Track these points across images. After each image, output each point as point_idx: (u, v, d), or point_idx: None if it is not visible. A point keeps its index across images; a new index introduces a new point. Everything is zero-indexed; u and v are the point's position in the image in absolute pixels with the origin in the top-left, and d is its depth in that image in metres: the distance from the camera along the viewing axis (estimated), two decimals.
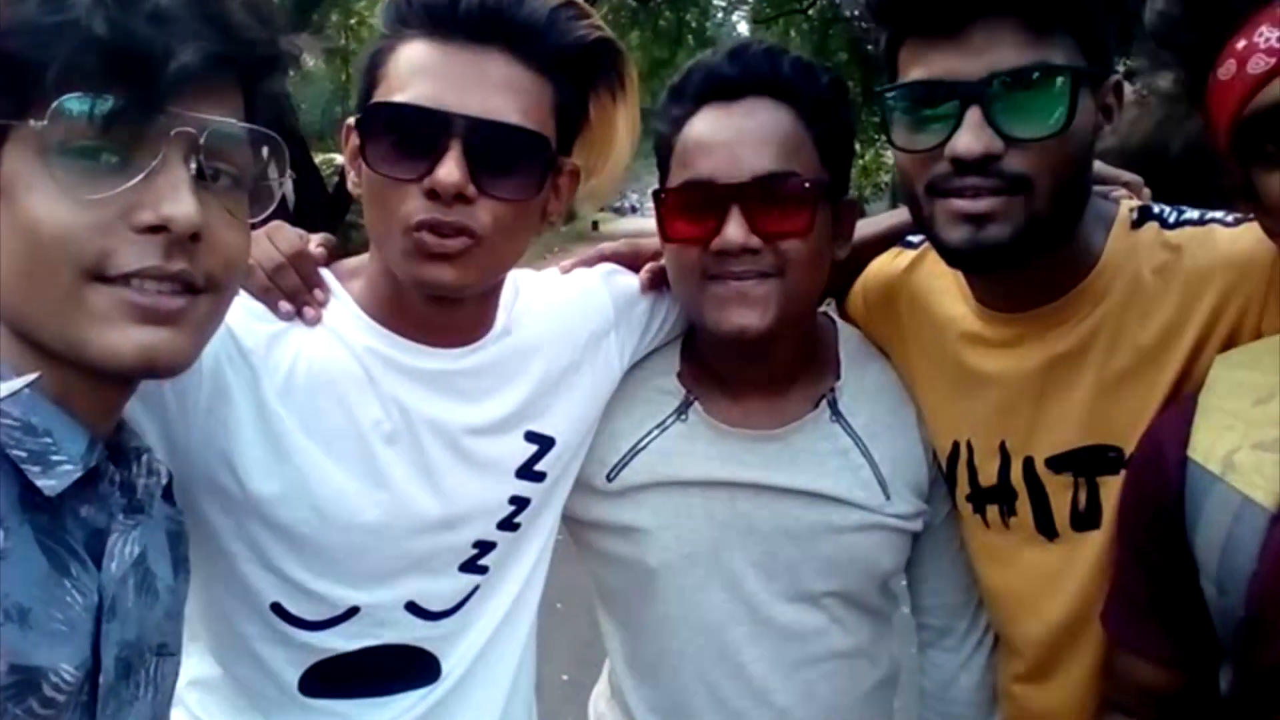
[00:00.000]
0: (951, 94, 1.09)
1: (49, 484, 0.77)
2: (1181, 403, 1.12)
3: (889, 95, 1.17)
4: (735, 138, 1.26)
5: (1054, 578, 1.27)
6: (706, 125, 1.28)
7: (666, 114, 1.33)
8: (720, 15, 19.61)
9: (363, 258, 1.24)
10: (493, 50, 1.08)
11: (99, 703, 0.80)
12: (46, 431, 0.78)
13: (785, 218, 1.25)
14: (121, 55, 0.74)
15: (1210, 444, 1.04)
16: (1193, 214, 1.23)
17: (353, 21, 14.19)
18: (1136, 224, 1.23)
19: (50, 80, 0.73)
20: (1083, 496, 1.24)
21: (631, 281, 1.45)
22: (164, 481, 0.93)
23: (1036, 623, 1.30)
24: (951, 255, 1.17)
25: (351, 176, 1.16)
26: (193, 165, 0.79)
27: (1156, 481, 1.09)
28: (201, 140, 0.79)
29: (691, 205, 1.28)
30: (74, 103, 0.74)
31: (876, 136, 15.64)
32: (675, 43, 16.19)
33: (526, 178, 1.11)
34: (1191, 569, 1.05)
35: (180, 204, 0.77)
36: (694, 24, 17.14)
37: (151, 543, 0.90)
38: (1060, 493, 1.25)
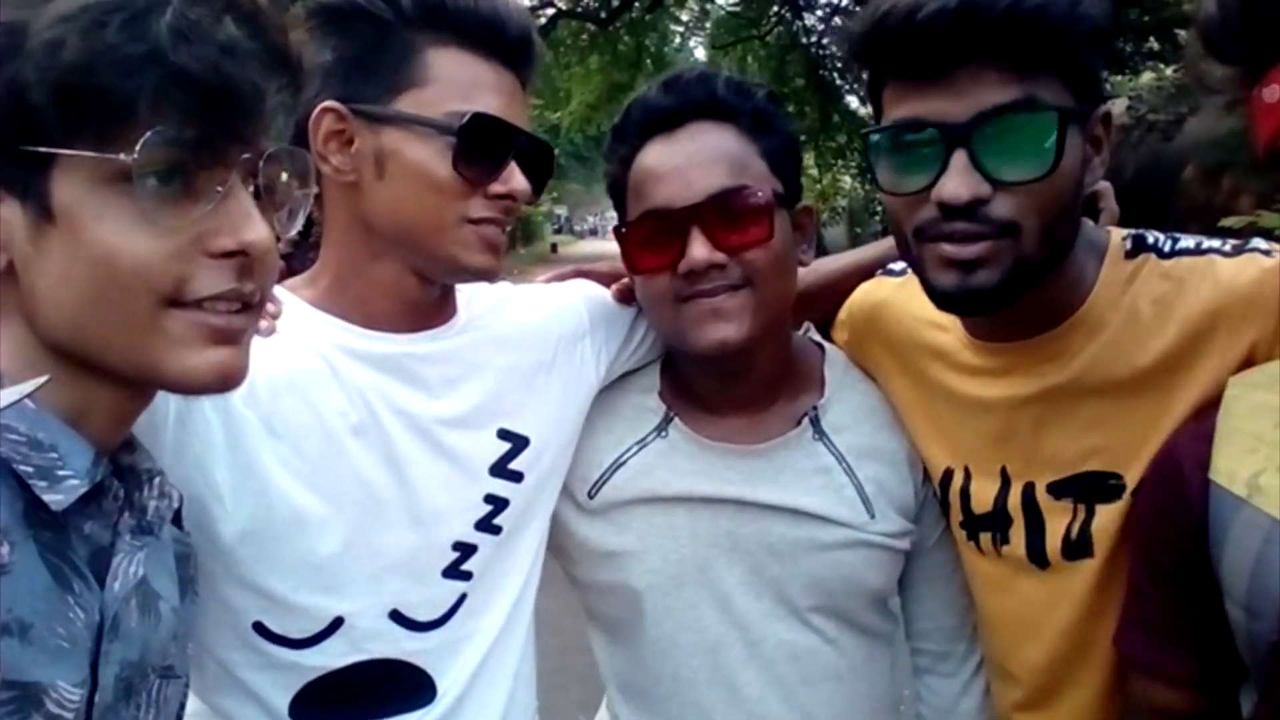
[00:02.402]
0: (937, 136, 1.07)
1: (55, 499, 0.77)
2: (1198, 424, 1.10)
3: (873, 136, 1.16)
4: (684, 162, 1.29)
5: (1048, 606, 1.26)
6: (654, 157, 1.31)
7: (614, 154, 1.36)
8: (678, 40, 19.76)
9: (310, 271, 1.27)
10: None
11: None
12: (52, 446, 0.78)
13: (745, 229, 1.28)
14: (213, 92, 0.75)
15: (1233, 466, 1.03)
16: (1188, 242, 1.20)
17: None
18: (1130, 254, 1.21)
19: (141, 113, 0.73)
20: (1076, 525, 1.22)
21: (609, 295, 1.47)
22: (175, 505, 0.93)
23: (1034, 650, 1.29)
24: (940, 299, 1.16)
25: (335, 160, 1.15)
26: (251, 188, 0.82)
27: (1177, 504, 1.07)
28: (261, 164, 0.82)
29: (652, 234, 1.30)
30: (161, 135, 0.74)
31: (834, 161, 15.87)
32: (634, 66, 16.28)
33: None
34: (1214, 591, 1.04)
35: (256, 229, 0.80)
36: (653, 49, 17.25)
37: (157, 564, 0.89)
38: (1058, 519, 1.24)
